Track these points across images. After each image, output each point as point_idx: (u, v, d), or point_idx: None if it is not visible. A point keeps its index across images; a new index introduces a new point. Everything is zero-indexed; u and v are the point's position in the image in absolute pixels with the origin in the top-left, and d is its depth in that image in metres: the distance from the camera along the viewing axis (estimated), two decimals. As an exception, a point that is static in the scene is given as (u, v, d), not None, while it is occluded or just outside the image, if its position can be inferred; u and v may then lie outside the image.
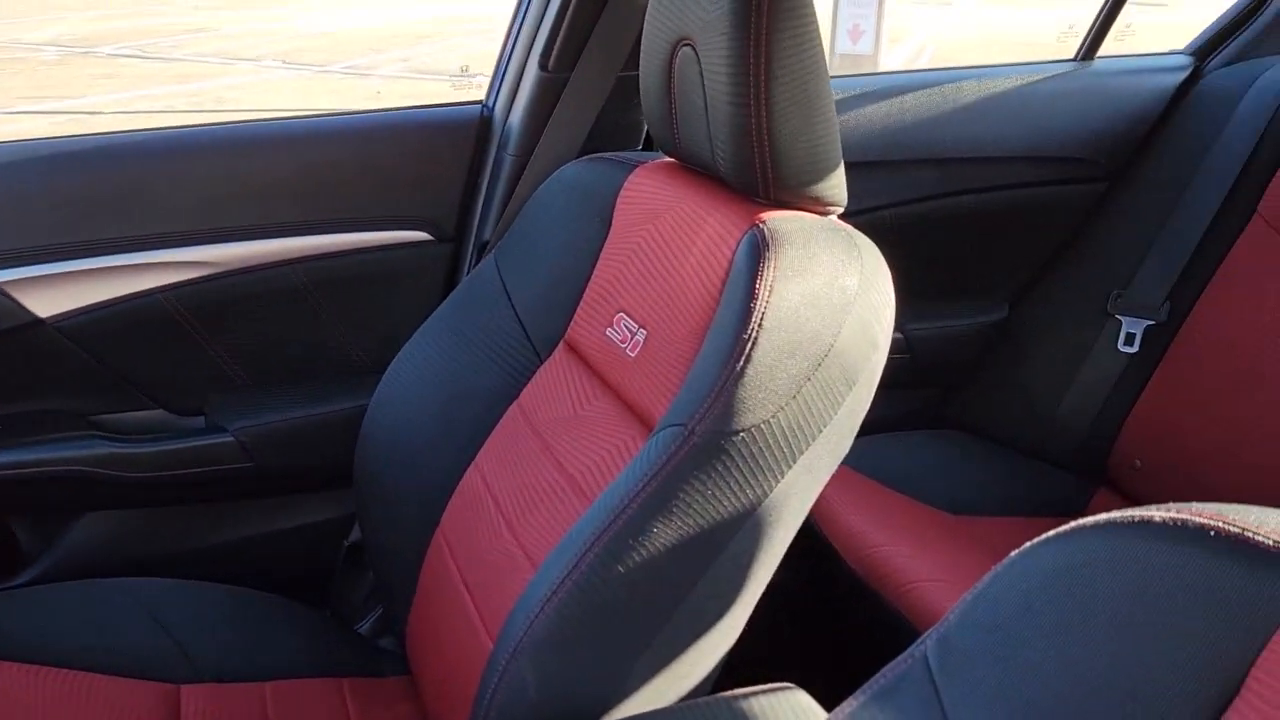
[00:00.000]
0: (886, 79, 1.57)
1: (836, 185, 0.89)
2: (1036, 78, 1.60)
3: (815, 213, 0.89)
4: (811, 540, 1.43)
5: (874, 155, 1.52)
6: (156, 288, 1.26)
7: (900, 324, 1.62)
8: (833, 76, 0.96)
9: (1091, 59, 1.65)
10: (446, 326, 1.14)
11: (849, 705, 0.54)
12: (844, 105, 1.52)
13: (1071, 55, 1.67)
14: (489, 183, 1.36)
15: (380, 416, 1.16)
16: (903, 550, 1.32)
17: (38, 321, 1.22)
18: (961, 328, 1.67)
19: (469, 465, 1.05)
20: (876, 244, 0.88)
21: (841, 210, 0.91)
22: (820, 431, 0.77)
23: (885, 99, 1.54)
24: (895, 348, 1.62)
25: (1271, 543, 0.44)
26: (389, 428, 1.14)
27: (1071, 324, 1.59)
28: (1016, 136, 1.58)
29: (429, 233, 1.37)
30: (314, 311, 1.35)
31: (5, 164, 1.21)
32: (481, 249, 1.37)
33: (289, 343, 1.36)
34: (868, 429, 1.57)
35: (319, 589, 1.40)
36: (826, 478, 0.82)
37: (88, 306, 1.23)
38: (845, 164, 0.89)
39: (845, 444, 0.82)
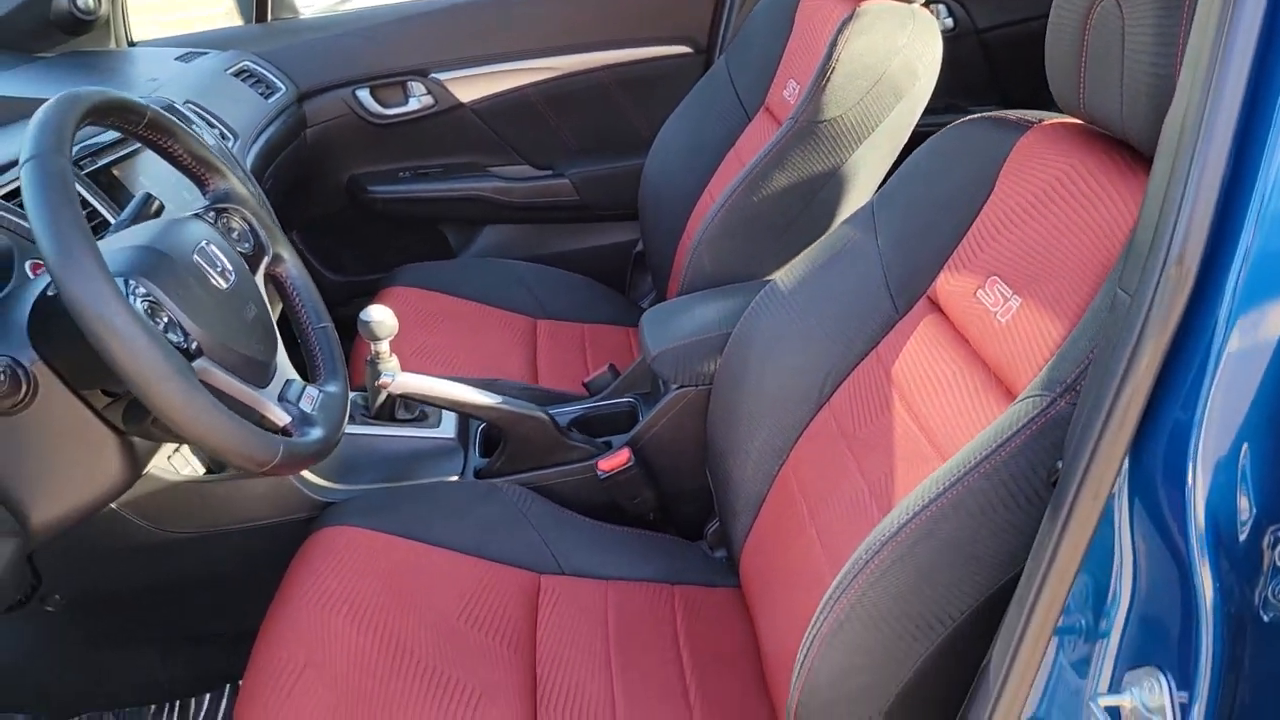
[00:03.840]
0: None
1: None
2: None
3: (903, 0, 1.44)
4: None
5: None
6: (525, 85, 2.06)
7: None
8: None
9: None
10: (694, 103, 1.85)
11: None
12: None
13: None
14: (728, 10, 2.02)
15: (651, 166, 1.89)
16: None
17: (460, 105, 2.06)
18: None
19: (703, 189, 1.75)
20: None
21: (922, 1, 1.45)
22: (877, 126, 1.38)
23: None
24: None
25: (1014, 118, 0.96)
26: (656, 173, 1.87)
27: None
28: None
29: (690, 47, 2.07)
30: (615, 101, 2.10)
31: (441, 9, 2.03)
32: (722, 56, 2.05)
33: (600, 122, 2.13)
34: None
35: (621, 281, 2.20)
36: (889, 160, 1.43)
37: (487, 96, 2.07)
38: None
39: (900, 138, 1.42)
